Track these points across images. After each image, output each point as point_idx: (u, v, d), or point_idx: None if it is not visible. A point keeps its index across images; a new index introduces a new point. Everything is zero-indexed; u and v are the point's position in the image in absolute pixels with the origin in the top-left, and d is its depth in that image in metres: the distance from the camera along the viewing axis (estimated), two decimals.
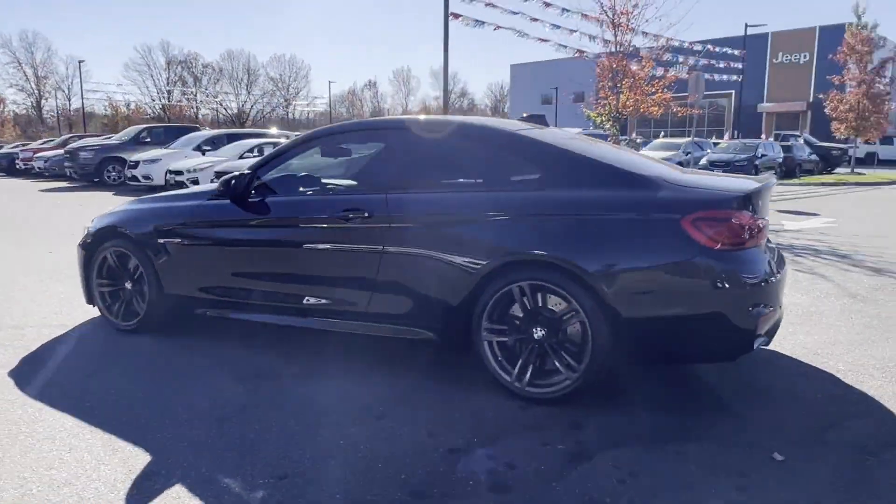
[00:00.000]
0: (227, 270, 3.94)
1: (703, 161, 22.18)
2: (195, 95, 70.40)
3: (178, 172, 14.90)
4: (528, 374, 3.10)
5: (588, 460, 2.57)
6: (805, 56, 40.30)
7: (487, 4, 16.70)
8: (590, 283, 2.90)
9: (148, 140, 19.30)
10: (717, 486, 2.37)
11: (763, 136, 29.37)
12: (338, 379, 3.47)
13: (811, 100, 39.77)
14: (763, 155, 22.29)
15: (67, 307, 5.03)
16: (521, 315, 3.14)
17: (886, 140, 30.94)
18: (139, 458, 2.62)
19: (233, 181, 3.86)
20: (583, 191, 3.07)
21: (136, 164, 16.63)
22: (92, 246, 4.41)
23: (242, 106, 71.49)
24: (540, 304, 3.09)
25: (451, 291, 3.23)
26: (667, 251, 2.86)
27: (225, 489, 2.39)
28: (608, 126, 14.15)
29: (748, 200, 2.92)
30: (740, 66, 29.68)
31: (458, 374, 3.46)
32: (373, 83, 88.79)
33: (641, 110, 14.66)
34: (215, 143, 17.85)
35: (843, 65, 23.79)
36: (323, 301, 3.64)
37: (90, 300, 4.57)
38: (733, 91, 46.49)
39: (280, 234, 3.78)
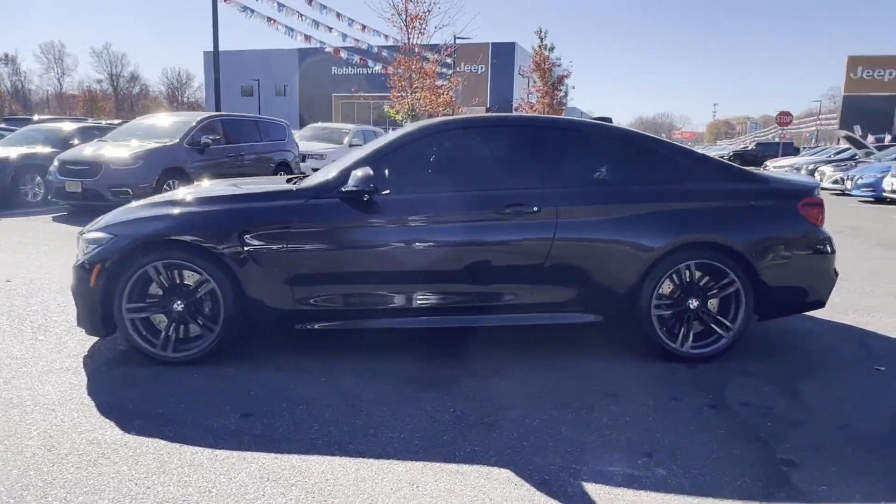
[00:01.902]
0: (350, 277, 3.56)
1: None
2: None
3: None
4: (690, 338, 3.68)
5: (799, 393, 3.30)
6: (482, 67, 46.74)
7: None
8: (747, 258, 3.61)
9: None
10: (892, 395, 3.34)
11: None
12: (508, 372, 3.53)
13: (488, 105, 46.40)
14: None
15: (15, 346, 3.76)
16: (678, 290, 3.69)
17: None
18: (500, 474, 2.47)
19: (342, 179, 3.52)
20: (720, 183, 3.76)
21: None
22: (118, 263, 3.45)
23: None
24: (695, 280, 3.68)
25: (624, 275, 3.60)
26: (791, 229, 3.73)
27: (627, 475, 2.47)
28: (408, 123, 14.81)
29: (819, 189, 3.97)
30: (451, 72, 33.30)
31: (599, 351, 3.85)
32: (11, 58, 72.78)
33: (431, 108, 15.69)
34: None
35: (528, 76, 28.68)
36: (477, 297, 3.62)
37: (104, 331, 3.58)
38: None
39: (421, 233, 3.57)
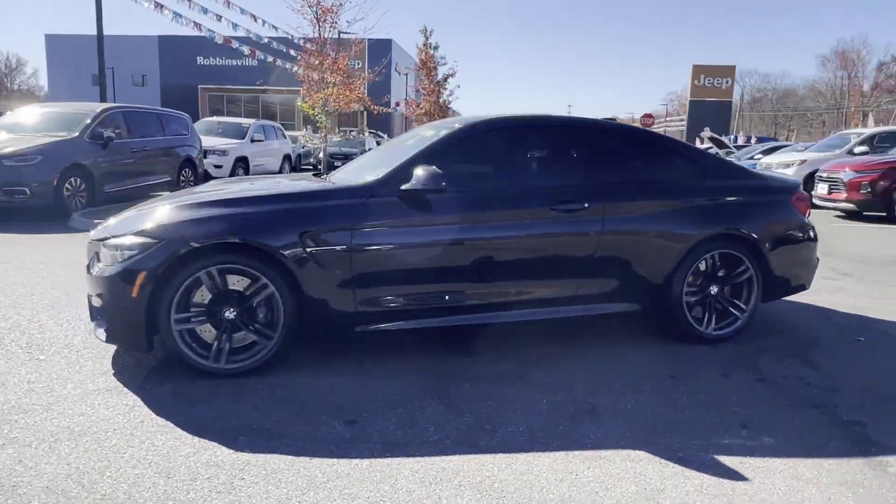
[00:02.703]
0: (412, 276, 3.51)
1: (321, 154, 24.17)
2: None
3: None
4: (713, 321, 4.05)
5: (817, 364, 3.75)
6: (358, 63, 46.20)
7: None
8: (759, 247, 4.04)
9: None
10: (884, 360, 3.91)
11: (366, 132, 33.16)
12: (562, 362, 3.68)
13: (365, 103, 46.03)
14: (370, 148, 25.66)
15: (21, 370, 3.32)
16: (700, 278, 4.04)
17: None
18: (639, 455, 2.62)
19: (400, 177, 3.50)
20: (733, 181, 4.16)
21: None
22: (167, 270, 3.16)
23: None
24: (717, 268, 4.05)
25: (661, 266, 3.88)
26: (789, 220, 4.21)
27: (745, 446, 2.72)
28: (322, 119, 14.28)
29: None
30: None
31: (624, 338, 4.12)
32: None
33: (344, 105, 15.27)
34: None
35: (405, 74, 28.95)
36: (532, 292, 3.73)
37: (148, 346, 3.26)
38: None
39: (478, 230, 3.60)
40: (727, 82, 42.60)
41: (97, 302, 3.37)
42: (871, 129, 15.33)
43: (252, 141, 15.18)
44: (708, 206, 4.00)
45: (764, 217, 4.12)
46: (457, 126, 3.88)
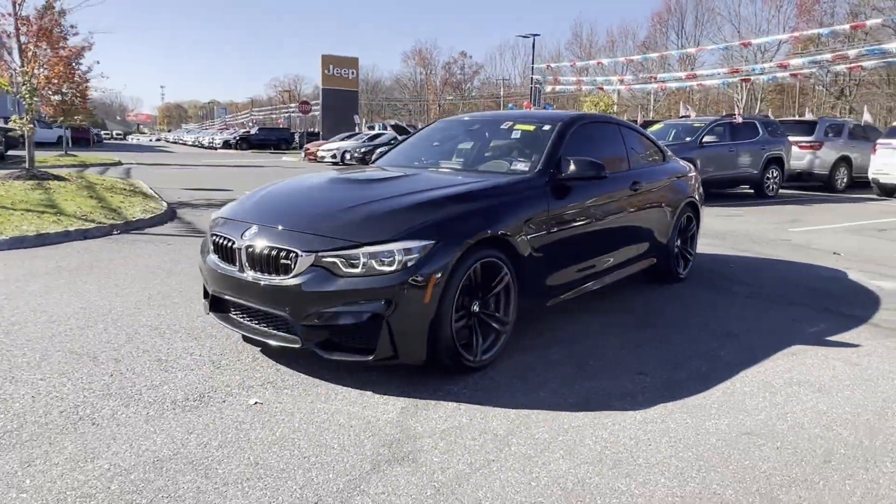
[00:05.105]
0: (571, 256, 4.06)
1: None
2: None
3: None
4: (682, 265, 5.59)
5: (748, 283, 5.61)
6: None
7: None
8: (699, 210, 5.72)
9: None
10: (770, 274, 6.01)
11: None
12: (651, 315, 4.72)
13: None
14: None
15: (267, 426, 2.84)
16: (677, 234, 5.51)
17: (45, 125, 32.04)
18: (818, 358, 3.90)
19: (552, 168, 4.02)
20: (674, 162, 5.70)
21: None
22: (451, 270, 3.11)
23: None
24: (683, 226, 5.57)
25: (667, 227, 5.20)
26: (699, 190, 5.99)
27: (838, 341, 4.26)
28: (29, 100, 10.55)
29: None
30: None
31: (624, 287, 5.37)
32: None
33: (54, 82, 11.65)
34: None
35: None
36: (612, 260, 4.61)
37: (426, 354, 3.12)
38: None
39: (599, 211, 4.30)
40: (352, 73, 46.35)
41: (343, 320, 2.99)
42: None
43: None
44: (677, 181, 5.49)
45: (696, 187, 5.83)
46: (560, 121, 4.44)
